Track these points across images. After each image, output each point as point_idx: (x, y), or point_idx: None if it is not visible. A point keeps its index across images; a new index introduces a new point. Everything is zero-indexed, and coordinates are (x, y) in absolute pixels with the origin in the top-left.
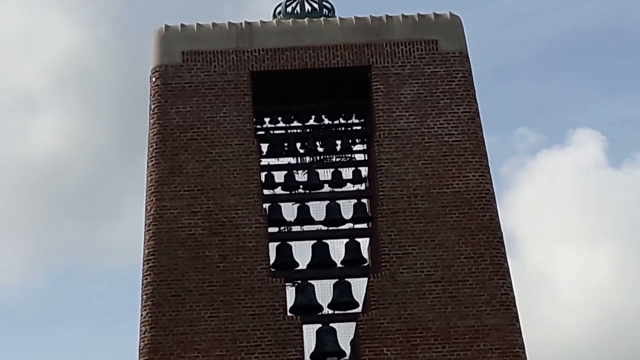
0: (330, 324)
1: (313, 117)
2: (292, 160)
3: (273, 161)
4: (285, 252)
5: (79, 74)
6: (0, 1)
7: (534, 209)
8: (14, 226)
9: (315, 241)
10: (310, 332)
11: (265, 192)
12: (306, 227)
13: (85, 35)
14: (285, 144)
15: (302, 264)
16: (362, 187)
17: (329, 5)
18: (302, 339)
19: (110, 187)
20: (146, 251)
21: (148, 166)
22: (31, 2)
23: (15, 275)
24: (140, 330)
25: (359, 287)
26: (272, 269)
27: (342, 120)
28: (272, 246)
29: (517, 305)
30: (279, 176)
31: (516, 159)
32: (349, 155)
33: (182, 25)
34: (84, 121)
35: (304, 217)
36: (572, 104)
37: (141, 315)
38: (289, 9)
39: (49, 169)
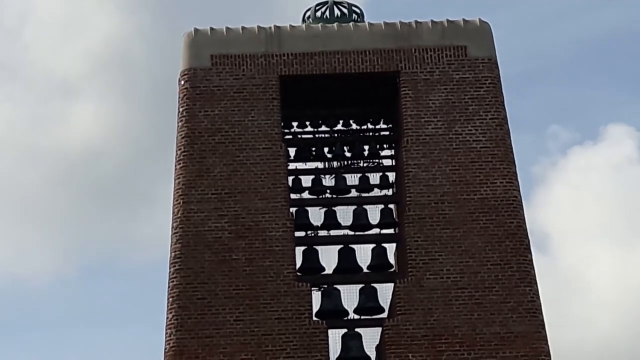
0: (356, 329)
1: (341, 121)
2: (320, 165)
3: (300, 165)
4: (311, 257)
5: (118, 61)
6: None
7: (568, 207)
8: (48, 215)
9: (341, 246)
10: (335, 337)
11: (293, 196)
12: (333, 232)
13: (126, 22)
14: (313, 149)
15: (329, 269)
16: (390, 192)
17: (358, 11)
18: (328, 343)
19: (147, 177)
20: (173, 254)
21: (176, 169)
22: None
23: (49, 265)
24: (166, 333)
25: (385, 292)
26: (298, 273)
27: (370, 125)
28: (299, 250)
29: (552, 303)
30: (306, 180)
31: (549, 156)
32: (377, 160)
33: (212, 29)
34: (122, 109)
35: (330, 221)
36: (603, 104)
37: (167, 317)
38: (318, 14)
39: (85, 157)
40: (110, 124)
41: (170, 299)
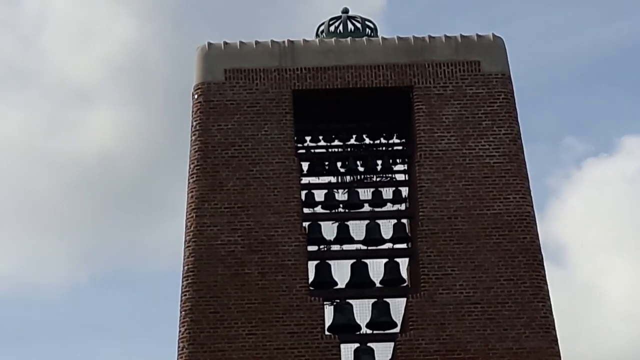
0: (368, 344)
1: (354, 136)
2: (333, 179)
3: (313, 180)
4: (324, 271)
5: (135, 68)
6: None
7: (582, 219)
8: (62, 222)
9: (354, 260)
10: (348, 352)
11: (305, 210)
12: (345, 246)
13: (144, 28)
14: (326, 163)
15: (341, 283)
16: (402, 207)
17: (372, 25)
18: (340, 358)
19: (163, 184)
20: (186, 267)
21: (189, 182)
22: None
23: (62, 273)
24: (179, 346)
25: (397, 307)
26: (311, 288)
27: (383, 140)
28: (311, 265)
29: (567, 315)
30: (319, 195)
31: (563, 168)
32: (390, 175)
33: (225, 43)
34: (138, 116)
35: (343, 236)
36: (617, 116)
37: (180, 331)
38: (332, 28)
39: (100, 164)
40: (127, 131)
41: (183, 313)
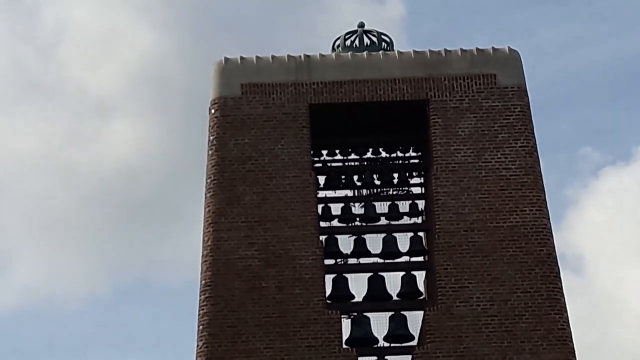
0: (386, 357)
1: (370, 149)
2: (349, 193)
3: (330, 193)
4: (341, 285)
5: (154, 80)
6: (76, 3)
7: (601, 228)
8: (82, 233)
9: (371, 274)
10: None
11: (322, 224)
12: (362, 260)
13: (163, 39)
14: (343, 177)
15: (358, 297)
16: (419, 220)
17: (387, 39)
18: None
19: (183, 196)
20: (203, 282)
21: (206, 197)
22: (108, 4)
23: (81, 286)
24: None
25: (414, 320)
26: (328, 301)
27: (399, 153)
28: (329, 278)
29: (587, 325)
30: (336, 208)
31: (580, 178)
32: (406, 188)
33: (242, 58)
34: (158, 128)
35: (360, 249)
36: (634, 125)
37: (197, 345)
38: (348, 42)
39: (120, 176)
40: (146, 143)
41: (201, 327)
